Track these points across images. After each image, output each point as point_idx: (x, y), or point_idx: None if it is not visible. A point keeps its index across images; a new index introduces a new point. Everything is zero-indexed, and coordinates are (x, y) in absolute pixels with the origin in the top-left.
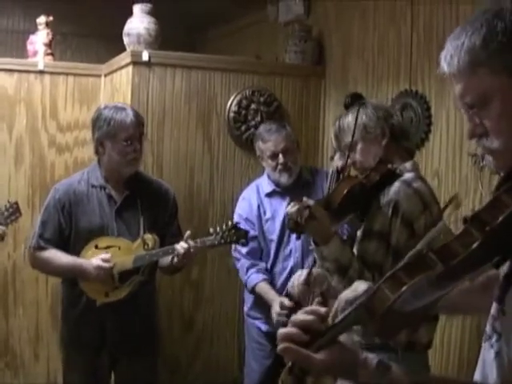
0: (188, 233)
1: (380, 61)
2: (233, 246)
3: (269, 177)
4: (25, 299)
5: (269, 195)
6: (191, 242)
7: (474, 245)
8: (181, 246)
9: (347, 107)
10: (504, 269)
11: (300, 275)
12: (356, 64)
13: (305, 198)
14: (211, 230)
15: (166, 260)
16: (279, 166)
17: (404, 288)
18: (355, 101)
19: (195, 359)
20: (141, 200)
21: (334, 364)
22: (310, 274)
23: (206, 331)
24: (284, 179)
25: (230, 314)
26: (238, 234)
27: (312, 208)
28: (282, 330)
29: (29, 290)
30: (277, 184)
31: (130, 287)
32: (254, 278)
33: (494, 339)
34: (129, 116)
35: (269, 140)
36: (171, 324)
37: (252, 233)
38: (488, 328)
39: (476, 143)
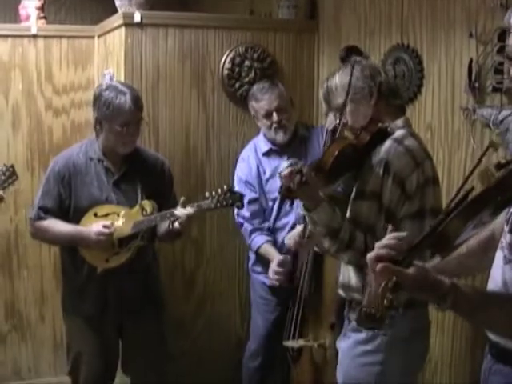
0: (182, 198)
1: (372, 14)
2: (235, 211)
3: (265, 136)
4: (28, 262)
5: (266, 154)
6: (189, 208)
7: None
8: (180, 212)
9: (343, 60)
10: None
11: (297, 229)
12: (348, 18)
13: (292, 159)
14: (207, 194)
15: (163, 228)
16: (274, 125)
17: (473, 220)
18: (351, 53)
19: (198, 317)
20: (138, 173)
21: (422, 278)
22: (305, 227)
23: (207, 289)
24: (280, 137)
25: (231, 271)
26: (234, 198)
27: (304, 173)
28: (371, 254)
29: (32, 253)
30: (273, 143)
31: (129, 252)
32: (257, 240)
33: None
34: (127, 102)
35: (262, 99)
36: (173, 283)
37: (253, 195)
38: (506, 253)
39: None
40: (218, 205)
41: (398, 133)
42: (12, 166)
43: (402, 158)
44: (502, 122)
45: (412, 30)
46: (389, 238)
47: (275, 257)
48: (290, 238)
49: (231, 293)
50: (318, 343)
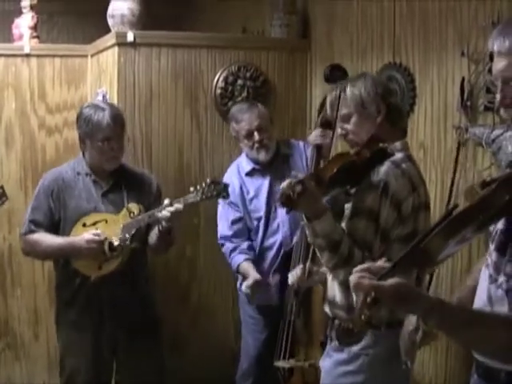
0: (166, 201)
1: (364, 33)
2: (218, 230)
3: (247, 156)
4: (22, 280)
5: (249, 174)
6: (176, 205)
7: (506, 197)
8: (167, 211)
9: (328, 79)
10: (499, 226)
11: (298, 268)
12: (340, 37)
13: (294, 172)
14: (191, 188)
15: (154, 234)
16: (256, 144)
17: (454, 238)
18: (334, 72)
19: (192, 332)
20: (126, 186)
21: (402, 290)
22: (304, 265)
23: (201, 306)
24: (262, 156)
25: (225, 288)
26: (218, 188)
27: (305, 182)
28: (351, 277)
29: (26, 272)
30: (255, 162)
31: (121, 256)
32: (237, 259)
33: (501, 280)
34: (105, 118)
35: (242, 119)
36: (167, 300)
37: (237, 215)
38: (491, 272)
39: (504, 112)
40: (204, 197)
41: (397, 155)
42: (2, 187)
43: (400, 181)
44: (494, 141)
45: (404, 48)
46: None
47: (251, 275)
48: (293, 275)
49: (225, 308)
50: (309, 363)
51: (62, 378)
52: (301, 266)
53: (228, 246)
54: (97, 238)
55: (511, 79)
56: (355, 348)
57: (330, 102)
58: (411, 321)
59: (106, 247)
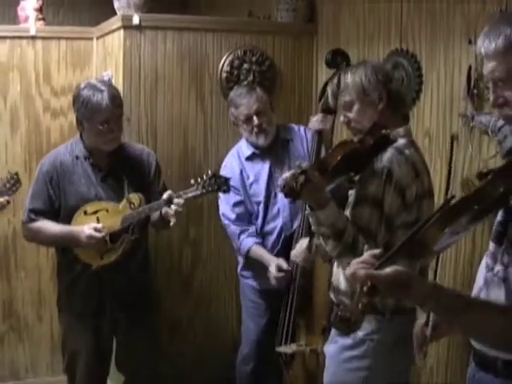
0: (166, 194)
1: (371, 19)
2: (221, 213)
3: (247, 140)
4: (26, 263)
5: (249, 158)
6: (177, 201)
7: (501, 189)
8: (170, 209)
9: (329, 64)
10: (498, 217)
11: (302, 244)
12: (347, 22)
13: (298, 161)
14: (192, 181)
15: (155, 216)
16: (255, 129)
17: (449, 227)
18: (336, 57)
19: (194, 318)
20: (125, 167)
21: (399, 277)
22: (311, 241)
23: (204, 290)
24: (261, 141)
25: (228, 273)
26: (219, 182)
27: (308, 173)
28: (349, 270)
29: (30, 254)
30: (255, 147)
31: (121, 247)
32: (246, 242)
33: (497, 269)
34: (104, 99)
35: (241, 104)
36: (170, 284)
37: (238, 198)
38: (488, 261)
39: (498, 112)
40: (204, 191)
41: (400, 142)
42: (16, 174)
43: (403, 167)
44: (500, 129)
45: (411, 35)
46: (365, 255)
47: (272, 261)
48: (296, 256)
49: (228, 294)
50: (310, 348)
51: (63, 359)
52: (303, 240)
53: (235, 228)
54: (97, 234)
55: (500, 80)
56: (360, 333)
57: (331, 90)
58: (423, 314)
59: (107, 238)
